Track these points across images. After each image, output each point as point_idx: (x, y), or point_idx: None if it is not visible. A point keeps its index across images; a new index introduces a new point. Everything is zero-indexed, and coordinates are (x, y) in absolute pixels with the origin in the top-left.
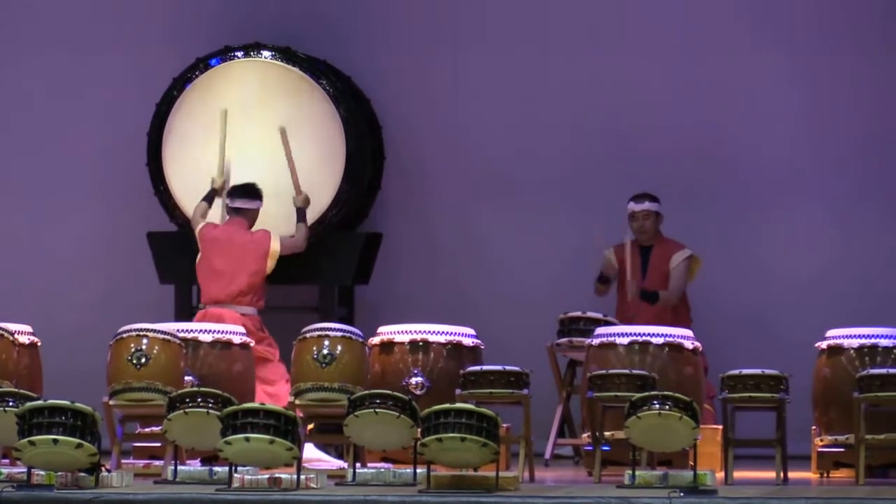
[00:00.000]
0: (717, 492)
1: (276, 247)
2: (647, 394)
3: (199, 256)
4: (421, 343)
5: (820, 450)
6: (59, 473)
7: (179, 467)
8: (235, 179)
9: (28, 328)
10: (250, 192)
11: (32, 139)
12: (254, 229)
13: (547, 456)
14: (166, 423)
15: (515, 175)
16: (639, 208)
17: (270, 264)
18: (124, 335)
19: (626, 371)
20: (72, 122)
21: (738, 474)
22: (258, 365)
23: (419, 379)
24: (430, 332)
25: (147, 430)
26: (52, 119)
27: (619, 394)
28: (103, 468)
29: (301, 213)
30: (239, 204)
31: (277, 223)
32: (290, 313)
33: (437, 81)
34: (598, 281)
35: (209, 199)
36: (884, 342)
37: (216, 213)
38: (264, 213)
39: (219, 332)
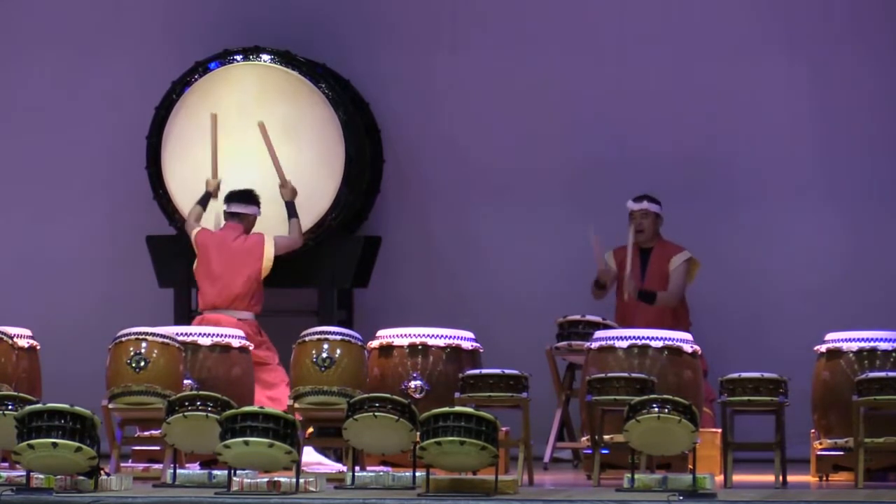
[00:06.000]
0: (717, 495)
1: (269, 249)
2: (646, 397)
3: (195, 262)
4: (420, 346)
5: (819, 453)
6: (59, 477)
7: (178, 471)
8: (234, 183)
9: (27, 332)
10: (248, 197)
11: (32, 143)
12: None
13: (546, 459)
14: (165, 426)
15: (514, 178)
16: (637, 207)
17: (266, 266)
18: (123, 339)
19: (626, 374)
20: (71, 125)
21: (738, 478)
22: (257, 369)
23: (418, 382)
24: (429, 335)
25: (146, 433)
26: (52, 123)
27: (618, 397)
28: (102, 472)
29: (290, 207)
30: (236, 209)
31: (276, 228)
32: (290, 317)
33: (436, 85)
34: (595, 286)
35: (203, 202)
36: (883, 346)
37: (210, 216)
38: (263, 218)
39: (218, 335)
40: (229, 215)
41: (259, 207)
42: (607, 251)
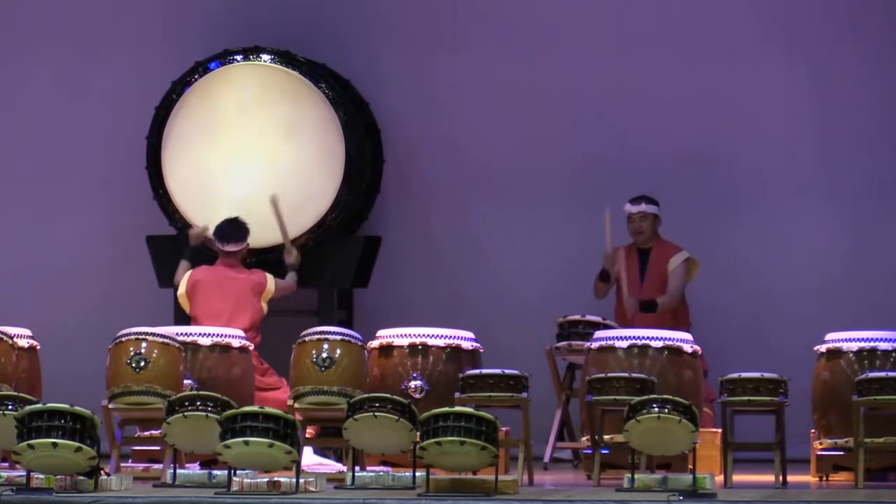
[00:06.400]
0: (717, 495)
1: (271, 289)
2: (646, 397)
3: (190, 304)
4: (420, 346)
5: (819, 453)
6: (59, 477)
7: (178, 471)
8: (234, 184)
9: (27, 332)
10: (239, 233)
11: (32, 143)
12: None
13: (546, 459)
14: (165, 426)
15: (514, 178)
16: (635, 210)
17: (265, 306)
18: (123, 339)
19: (626, 374)
20: (71, 125)
21: (738, 478)
22: (272, 392)
23: (418, 382)
24: (429, 335)
25: (146, 433)
26: (52, 123)
27: (618, 397)
28: (102, 472)
29: (291, 266)
30: (231, 248)
31: (273, 230)
32: (290, 317)
33: (436, 85)
34: (600, 278)
35: (191, 256)
36: (883, 345)
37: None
38: (262, 221)
39: (218, 335)
40: (223, 253)
41: (249, 234)
42: (613, 248)
